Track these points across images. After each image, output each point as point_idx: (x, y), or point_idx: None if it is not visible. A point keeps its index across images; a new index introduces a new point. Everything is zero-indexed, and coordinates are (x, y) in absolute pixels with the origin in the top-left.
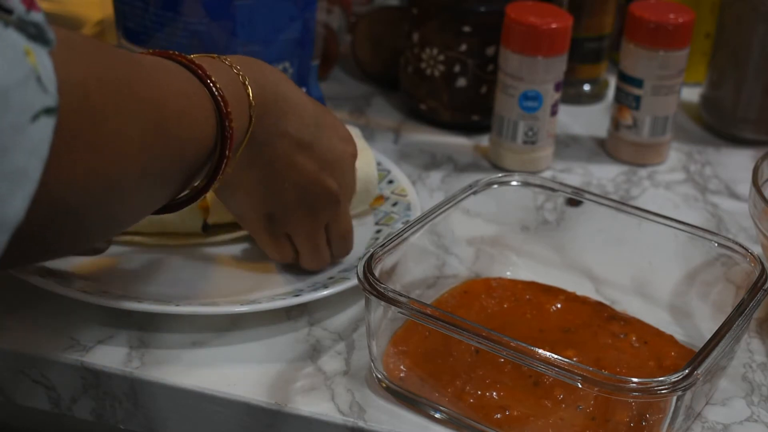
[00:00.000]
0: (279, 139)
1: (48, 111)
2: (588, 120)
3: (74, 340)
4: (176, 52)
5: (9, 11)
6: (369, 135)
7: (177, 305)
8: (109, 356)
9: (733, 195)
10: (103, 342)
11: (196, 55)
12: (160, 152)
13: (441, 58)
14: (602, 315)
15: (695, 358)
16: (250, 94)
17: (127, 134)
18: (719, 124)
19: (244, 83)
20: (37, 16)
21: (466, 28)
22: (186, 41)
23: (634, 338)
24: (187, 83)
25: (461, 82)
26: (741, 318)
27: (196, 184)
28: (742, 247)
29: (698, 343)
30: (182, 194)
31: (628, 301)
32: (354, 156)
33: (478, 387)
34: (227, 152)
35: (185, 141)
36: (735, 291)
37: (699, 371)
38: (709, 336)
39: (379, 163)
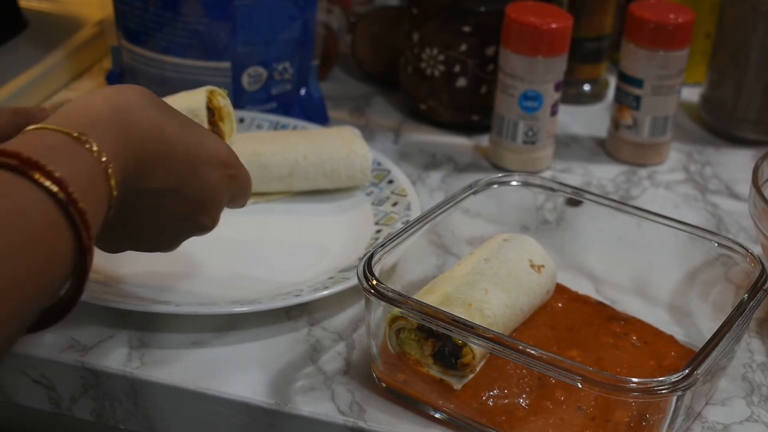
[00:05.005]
0: (141, 197)
1: None
2: (588, 120)
3: (74, 340)
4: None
5: None
6: (369, 135)
7: (177, 305)
8: (109, 356)
9: (733, 195)
10: (103, 342)
11: (34, 132)
12: (15, 307)
13: (441, 58)
14: (603, 315)
15: (695, 358)
16: (113, 184)
17: None
18: (719, 124)
19: (106, 171)
20: None
21: (466, 28)
22: (186, 41)
23: (634, 338)
24: (26, 207)
25: (461, 82)
26: (741, 318)
27: (62, 293)
28: (742, 247)
29: (698, 343)
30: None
31: (628, 301)
32: (232, 177)
33: (479, 387)
34: (88, 258)
35: (41, 281)
36: (735, 291)
37: (699, 371)
38: (709, 336)
39: (379, 163)
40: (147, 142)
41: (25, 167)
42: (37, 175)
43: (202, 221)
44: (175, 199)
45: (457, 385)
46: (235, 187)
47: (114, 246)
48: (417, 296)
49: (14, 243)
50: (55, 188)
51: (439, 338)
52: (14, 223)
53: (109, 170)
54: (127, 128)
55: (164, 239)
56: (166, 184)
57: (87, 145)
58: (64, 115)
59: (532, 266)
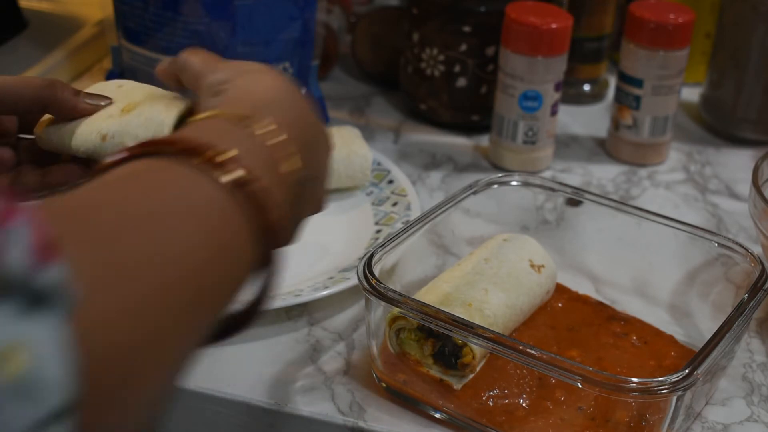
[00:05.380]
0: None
1: (57, 415)
2: (588, 120)
3: None
4: (177, 140)
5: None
6: (369, 135)
7: None
8: None
9: (733, 195)
10: None
11: (198, 125)
12: (196, 326)
13: (441, 58)
14: (603, 315)
15: (695, 358)
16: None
17: (167, 359)
18: (719, 124)
19: (288, 148)
20: (50, 275)
21: (466, 28)
22: (186, 41)
23: (634, 338)
24: (204, 205)
25: (461, 82)
26: (741, 318)
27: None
28: (742, 247)
29: (698, 343)
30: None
31: (628, 301)
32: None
33: (479, 387)
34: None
35: (225, 287)
36: (735, 291)
37: (699, 371)
38: (709, 336)
39: (379, 163)
40: (304, 120)
41: (195, 151)
42: (210, 157)
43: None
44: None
45: (457, 385)
46: None
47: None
48: (417, 296)
49: (190, 238)
50: (238, 172)
51: (439, 338)
52: (187, 216)
53: (291, 148)
54: (292, 108)
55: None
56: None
57: (263, 125)
58: (230, 100)
59: (532, 266)
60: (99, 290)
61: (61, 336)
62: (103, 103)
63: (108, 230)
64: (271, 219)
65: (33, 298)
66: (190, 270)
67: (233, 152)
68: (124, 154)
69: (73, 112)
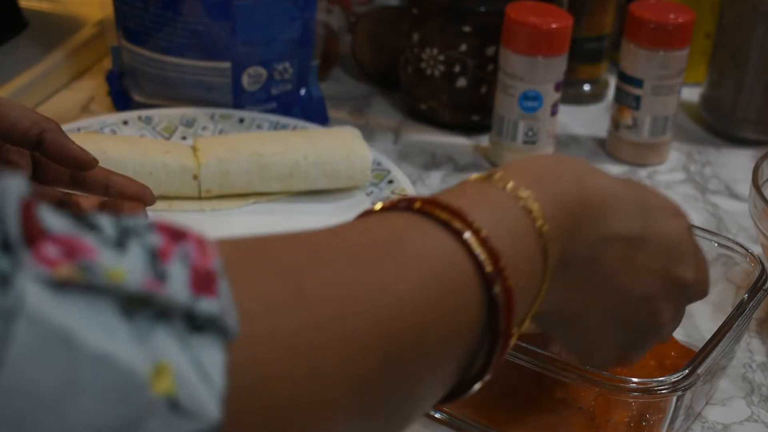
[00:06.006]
0: (604, 246)
1: None
2: (588, 120)
3: None
4: (421, 200)
5: (157, 300)
6: (369, 135)
7: None
8: None
9: (733, 195)
10: None
11: (452, 191)
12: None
13: (441, 58)
14: None
15: (695, 358)
16: (539, 220)
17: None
18: (719, 124)
19: (525, 206)
20: (207, 305)
21: (466, 28)
22: (186, 41)
23: None
24: (440, 260)
25: (461, 82)
26: (741, 318)
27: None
28: (742, 247)
29: (698, 343)
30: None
31: None
32: (688, 228)
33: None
34: (505, 324)
35: (442, 349)
36: (735, 291)
37: (699, 371)
38: (709, 336)
39: (379, 163)
40: (587, 183)
41: (459, 224)
42: (466, 235)
43: (683, 273)
44: (647, 252)
45: None
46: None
47: (577, 333)
48: None
49: (437, 308)
50: (486, 263)
51: None
52: (435, 282)
53: (529, 202)
54: (556, 173)
55: (644, 313)
56: (629, 229)
57: (498, 183)
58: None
59: None
60: (261, 320)
61: (214, 362)
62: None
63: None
64: (501, 316)
65: (192, 324)
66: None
67: (492, 239)
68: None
69: (60, 159)
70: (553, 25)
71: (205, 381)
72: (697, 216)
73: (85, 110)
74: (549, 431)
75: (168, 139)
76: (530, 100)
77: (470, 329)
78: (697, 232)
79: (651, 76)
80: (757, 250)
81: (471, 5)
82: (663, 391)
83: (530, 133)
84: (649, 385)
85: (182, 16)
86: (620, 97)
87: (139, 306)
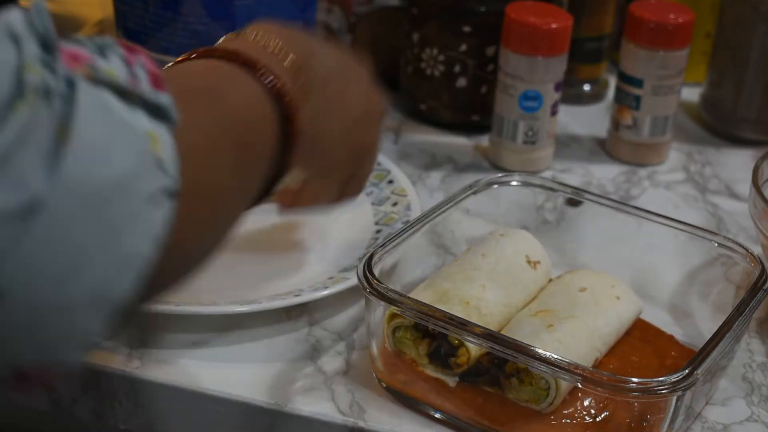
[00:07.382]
0: (329, 78)
1: (169, 194)
2: (588, 120)
3: None
4: (221, 48)
5: (136, 93)
6: None
7: (177, 305)
8: (109, 356)
9: (733, 195)
10: (103, 342)
11: (228, 40)
12: (247, 178)
13: (441, 58)
14: None
15: (695, 358)
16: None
17: (229, 185)
18: (719, 124)
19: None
20: (163, 98)
21: (466, 28)
22: (186, 41)
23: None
24: (250, 92)
25: (461, 82)
26: (741, 318)
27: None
28: (742, 247)
29: (698, 343)
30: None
31: None
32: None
33: (479, 387)
34: (296, 127)
35: (261, 153)
36: (735, 291)
37: (699, 371)
38: (709, 336)
39: (379, 163)
40: (314, 49)
41: (248, 64)
42: (260, 72)
43: (375, 98)
44: (342, 83)
45: (452, 383)
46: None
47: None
48: (415, 292)
49: (255, 133)
50: (273, 83)
51: (435, 337)
52: (253, 119)
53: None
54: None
55: (361, 131)
56: (336, 68)
57: (268, 47)
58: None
59: (529, 262)
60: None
61: (167, 140)
62: None
63: (188, 88)
64: (293, 120)
65: (154, 113)
66: (242, 126)
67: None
68: (193, 54)
69: None
70: (553, 25)
71: (165, 150)
72: (697, 216)
73: None
74: (549, 431)
75: None
76: (530, 100)
77: (270, 146)
78: (697, 232)
79: (651, 76)
80: (757, 250)
81: (471, 5)
82: (663, 391)
83: (530, 133)
84: (649, 385)
85: (182, 16)
86: (620, 97)
87: (126, 96)
